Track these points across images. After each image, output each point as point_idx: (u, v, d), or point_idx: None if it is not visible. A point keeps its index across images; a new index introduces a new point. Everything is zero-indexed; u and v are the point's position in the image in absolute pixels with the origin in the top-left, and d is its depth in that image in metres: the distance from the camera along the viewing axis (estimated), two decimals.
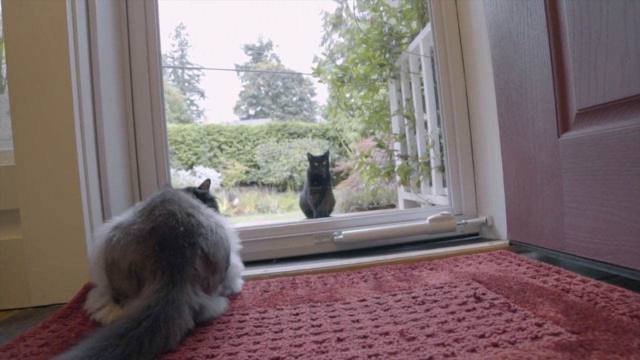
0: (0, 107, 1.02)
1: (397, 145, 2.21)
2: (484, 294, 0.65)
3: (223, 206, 4.93)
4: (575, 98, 0.75)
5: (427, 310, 0.61)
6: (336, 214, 2.10)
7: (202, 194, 0.90)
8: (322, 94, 12.55)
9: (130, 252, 0.60)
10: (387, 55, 2.13)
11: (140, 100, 1.11)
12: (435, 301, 0.64)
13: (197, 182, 0.87)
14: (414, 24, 2.01)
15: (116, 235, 0.63)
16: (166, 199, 0.68)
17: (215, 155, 7.00)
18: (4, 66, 1.30)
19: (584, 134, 0.73)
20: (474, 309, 0.59)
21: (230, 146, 7.12)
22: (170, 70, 13.32)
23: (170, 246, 0.60)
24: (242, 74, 13.61)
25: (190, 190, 0.90)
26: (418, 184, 2.00)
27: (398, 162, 2.13)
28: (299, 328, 0.57)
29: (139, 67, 1.11)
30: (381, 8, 2.11)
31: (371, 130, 2.75)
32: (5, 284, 0.90)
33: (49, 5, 0.88)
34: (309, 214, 1.97)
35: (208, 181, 0.94)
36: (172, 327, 0.53)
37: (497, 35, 0.98)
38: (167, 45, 13.65)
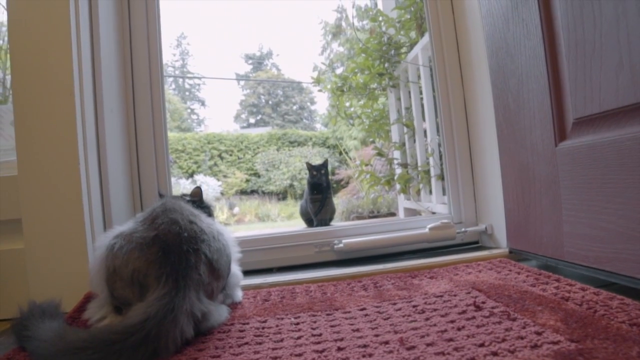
0: (3, 118, 1.03)
1: (397, 154, 2.22)
2: (483, 303, 0.65)
3: (223, 215, 4.92)
4: (572, 107, 0.76)
5: (427, 319, 0.61)
6: (336, 223, 2.10)
7: (194, 201, 0.88)
8: (322, 102, 12.63)
9: (133, 259, 0.61)
10: (386, 65, 2.15)
11: (141, 110, 1.12)
12: (435, 310, 0.64)
13: None
14: (413, 34, 2.04)
15: (118, 243, 0.64)
16: (168, 208, 0.68)
17: (215, 164, 7.01)
18: (8, 77, 1.32)
19: (580, 143, 0.74)
20: (474, 317, 0.60)
21: (231, 155, 7.14)
22: (171, 79, 13.42)
23: (174, 252, 0.61)
24: (242, 82, 13.70)
25: (181, 198, 0.88)
26: (418, 192, 2.00)
27: (398, 171, 2.14)
28: (300, 337, 0.58)
29: (141, 77, 1.13)
30: (380, 18, 2.14)
31: (371, 139, 2.77)
32: (6, 293, 0.90)
33: (53, 17, 0.90)
34: (309, 222, 1.97)
35: (198, 189, 0.92)
36: (164, 341, 0.54)
37: (494, 46, 0.99)
38: (169, 55, 13.76)
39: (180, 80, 13.94)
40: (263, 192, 6.59)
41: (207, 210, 0.88)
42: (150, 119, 1.12)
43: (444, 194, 1.68)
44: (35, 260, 0.88)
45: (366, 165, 2.25)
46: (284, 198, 6.41)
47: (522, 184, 0.94)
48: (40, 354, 0.56)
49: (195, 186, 0.91)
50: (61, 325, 0.62)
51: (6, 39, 1.43)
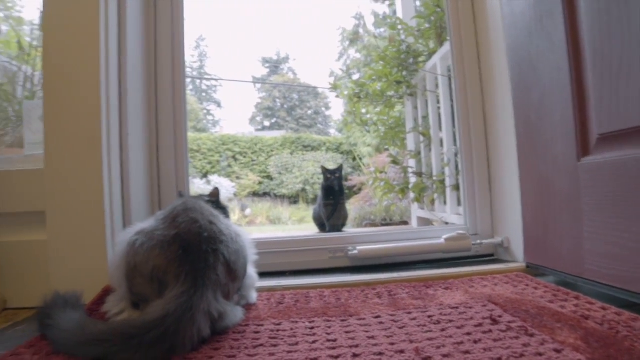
0: (32, 113, 1.06)
1: (412, 162, 2.21)
2: (500, 317, 0.65)
3: (235, 216, 4.96)
4: (596, 123, 0.75)
5: (443, 330, 0.60)
6: (349, 229, 2.10)
7: (212, 202, 0.90)
8: (336, 108, 12.70)
9: (153, 257, 0.62)
10: (404, 73, 2.15)
11: (164, 111, 1.15)
12: (450, 321, 0.64)
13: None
14: (432, 43, 2.03)
15: (139, 240, 0.65)
16: (188, 207, 0.69)
17: (229, 165, 7.08)
18: (36, 74, 1.36)
19: (604, 159, 0.73)
20: (490, 331, 0.59)
21: (245, 157, 7.19)
22: (188, 80, 13.64)
23: (194, 251, 0.62)
24: (258, 86, 13.84)
25: (200, 198, 0.90)
26: (432, 202, 1.99)
27: (412, 179, 2.13)
28: (315, 342, 0.58)
29: (164, 78, 1.15)
30: (399, 26, 2.14)
31: (386, 147, 2.76)
32: (29, 282, 0.93)
33: (84, 17, 0.92)
34: (321, 227, 1.98)
35: (217, 190, 0.94)
36: (181, 339, 0.55)
37: (516, 58, 0.98)
38: (187, 56, 13.97)
39: (198, 81, 14.16)
40: (275, 195, 6.62)
41: (224, 211, 0.89)
42: (171, 120, 1.14)
43: (459, 204, 1.67)
44: (56, 252, 0.90)
45: (381, 172, 2.25)
46: (296, 202, 6.42)
47: (541, 198, 0.92)
48: (61, 343, 0.58)
49: (214, 187, 0.92)
50: (82, 317, 0.64)
51: (33, 37, 1.48)
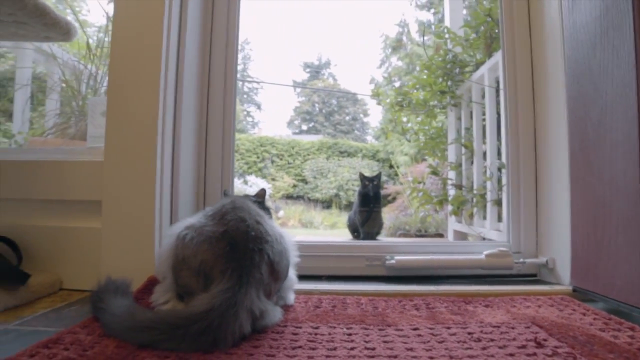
0: (95, 108, 1.14)
1: (451, 174, 2.16)
2: (545, 340, 0.62)
3: None
4: None
5: (484, 348, 0.59)
6: (382, 238, 2.08)
7: (258, 202, 0.92)
8: (374, 115, 12.61)
9: (202, 251, 0.64)
10: (449, 83, 2.11)
11: (214, 113, 1.19)
12: (492, 340, 0.62)
13: (248, 191, 0.89)
14: (479, 54, 1.99)
15: (189, 234, 0.68)
16: (237, 206, 0.72)
17: (265, 166, 7.21)
18: (99, 72, 1.46)
19: None
20: (535, 354, 0.57)
21: (281, 159, 7.29)
22: None
23: (240, 249, 0.64)
24: (298, 89, 14.03)
25: (247, 198, 0.93)
26: (471, 215, 1.93)
27: (451, 191, 2.08)
28: (353, 348, 0.58)
29: (216, 81, 1.20)
30: (446, 35, 2.11)
31: (424, 157, 2.71)
32: (82, 266, 0.99)
33: (149, 26, 0.99)
34: (355, 234, 1.97)
35: (263, 190, 0.96)
36: (224, 333, 0.57)
37: (576, 71, 0.94)
38: None
39: (240, 83, 14.57)
40: (309, 199, 6.65)
41: (268, 211, 0.91)
42: (220, 121, 1.19)
43: (499, 220, 1.61)
44: (109, 240, 0.96)
45: (419, 182, 2.21)
46: (329, 207, 6.42)
47: (594, 219, 0.88)
48: (112, 327, 0.62)
49: (260, 188, 0.95)
50: (131, 304, 0.68)
51: (96, 38, 1.59)
